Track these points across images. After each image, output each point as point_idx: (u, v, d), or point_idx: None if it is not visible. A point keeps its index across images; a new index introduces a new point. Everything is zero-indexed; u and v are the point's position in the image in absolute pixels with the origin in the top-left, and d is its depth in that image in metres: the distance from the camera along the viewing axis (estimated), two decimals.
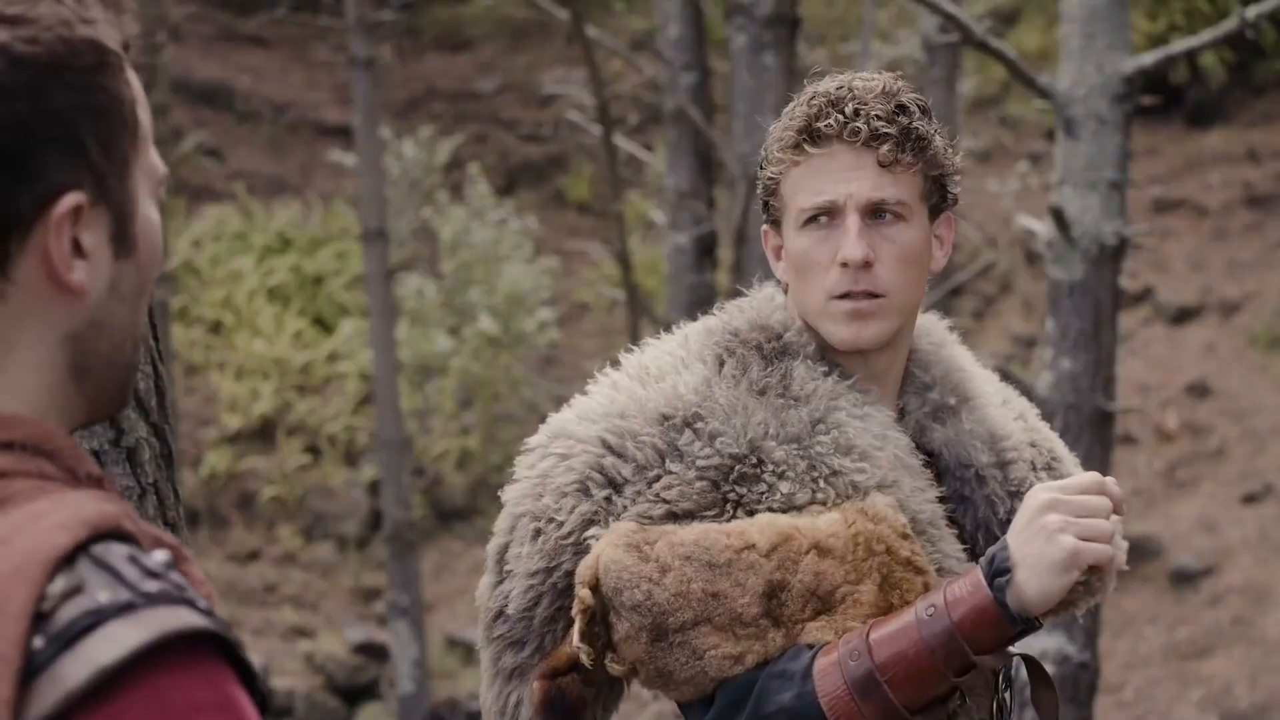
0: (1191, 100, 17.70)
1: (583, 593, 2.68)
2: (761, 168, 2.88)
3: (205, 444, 15.94)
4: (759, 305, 2.92)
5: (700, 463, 2.75)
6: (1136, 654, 13.00)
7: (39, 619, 1.46)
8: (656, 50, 12.23)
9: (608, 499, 2.76)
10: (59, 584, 1.47)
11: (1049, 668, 6.52)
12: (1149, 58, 6.50)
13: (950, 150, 2.88)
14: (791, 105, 2.86)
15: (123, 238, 1.62)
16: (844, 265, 2.78)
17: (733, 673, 2.66)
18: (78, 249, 1.59)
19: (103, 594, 1.46)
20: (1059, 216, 6.44)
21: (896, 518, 2.73)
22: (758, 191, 2.92)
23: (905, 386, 2.90)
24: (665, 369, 2.85)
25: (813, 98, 2.83)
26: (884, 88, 2.83)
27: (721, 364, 2.83)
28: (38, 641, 1.45)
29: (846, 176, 2.79)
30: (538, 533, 2.80)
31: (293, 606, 15.05)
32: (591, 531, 2.75)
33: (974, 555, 2.81)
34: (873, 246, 2.78)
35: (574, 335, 16.84)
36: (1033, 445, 2.93)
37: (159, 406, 2.63)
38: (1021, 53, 16.30)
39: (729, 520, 2.72)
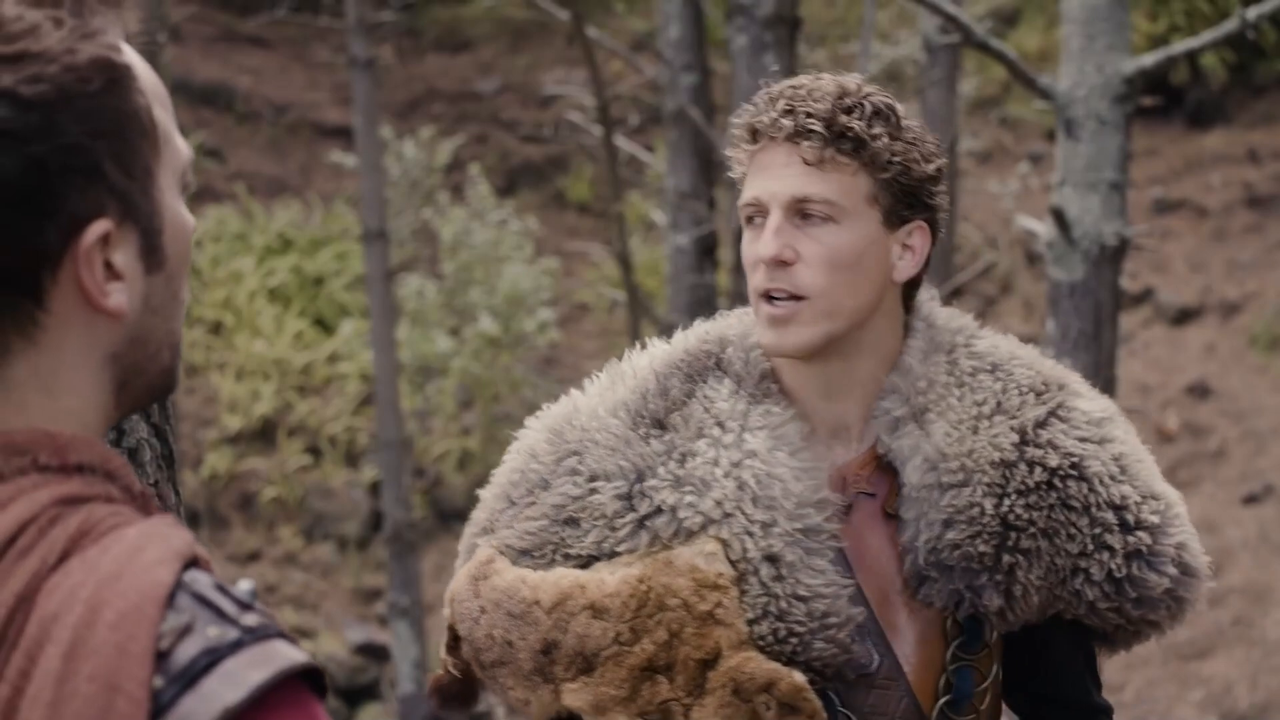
0: (1192, 101, 17.69)
1: (446, 611, 2.80)
2: (731, 173, 2.84)
3: (206, 445, 15.94)
4: (740, 315, 2.88)
5: (550, 500, 2.77)
6: (1136, 655, 12.99)
7: (157, 657, 1.47)
8: (657, 51, 12.23)
9: (502, 513, 2.82)
10: (170, 621, 1.49)
11: None
12: (1149, 58, 6.49)
13: (922, 155, 2.75)
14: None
15: (152, 252, 1.61)
16: (763, 263, 2.72)
17: (527, 713, 2.74)
18: (112, 271, 1.59)
19: (212, 630, 1.49)
20: (1059, 217, 6.44)
21: (708, 569, 2.67)
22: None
23: (880, 395, 2.79)
24: (622, 378, 2.86)
25: (760, 97, 2.78)
26: (838, 88, 2.74)
27: (649, 385, 2.81)
28: (158, 681, 1.47)
29: (774, 174, 2.72)
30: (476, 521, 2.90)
31: (293, 607, 15.05)
32: (479, 540, 2.82)
33: (912, 575, 2.73)
34: (795, 245, 2.70)
35: (574, 336, 16.83)
36: (1026, 464, 2.74)
37: (160, 407, 2.63)
38: (1022, 53, 16.29)
39: (549, 564, 2.75)
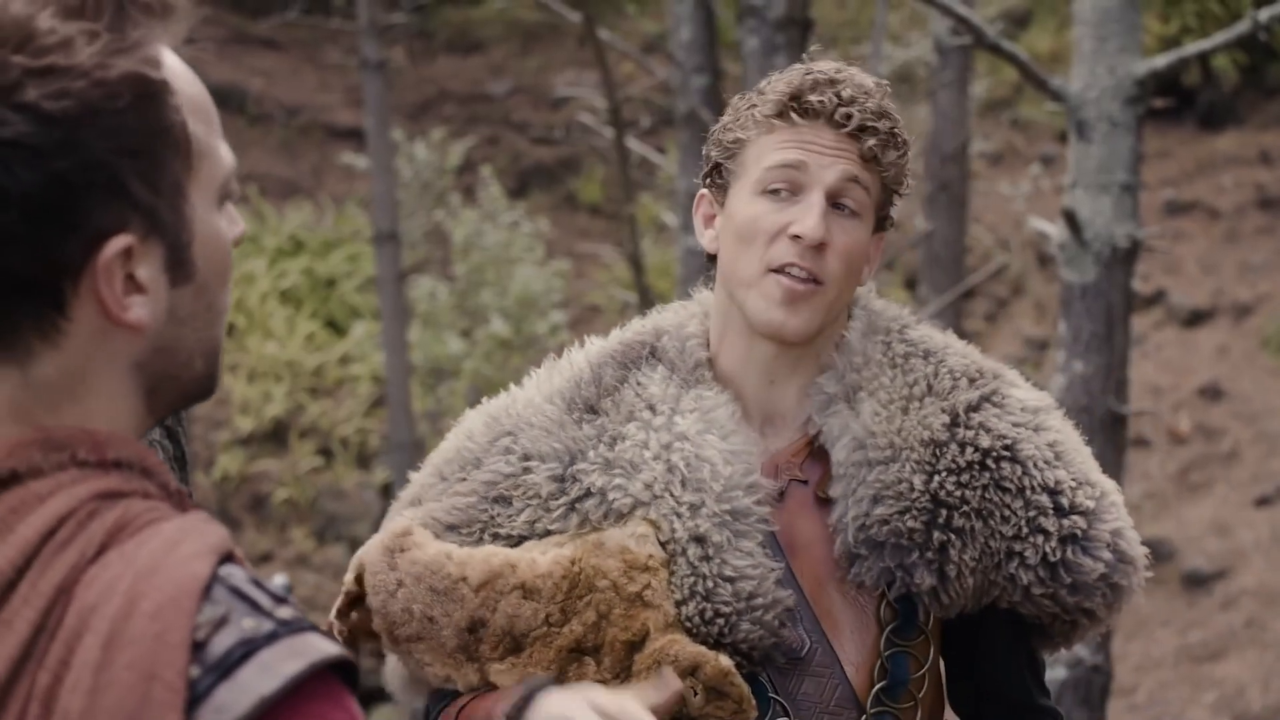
0: (1204, 102, 17.68)
1: (348, 578, 2.76)
2: (727, 129, 2.80)
3: (218, 446, 15.96)
4: (676, 309, 2.92)
5: (482, 477, 2.78)
6: (1149, 657, 12.98)
7: (194, 648, 1.50)
8: (668, 53, 12.23)
9: (431, 488, 2.83)
10: (206, 612, 1.51)
11: (1061, 670, 6.51)
12: (1161, 60, 6.49)
13: (910, 173, 2.81)
14: (782, 73, 2.80)
15: (179, 265, 1.62)
16: (795, 238, 2.71)
17: (446, 687, 2.73)
18: (134, 284, 1.60)
19: (247, 622, 1.52)
20: (1071, 219, 6.44)
21: (639, 550, 2.68)
22: (711, 152, 2.82)
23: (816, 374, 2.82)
24: (558, 370, 2.88)
25: (809, 71, 2.77)
26: (876, 87, 2.78)
27: (583, 374, 2.83)
28: (194, 670, 1.50)
29: (826, 155, 2.73)
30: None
31: (306, 609, 15.07)
32: (407, 512, 2.82)
33: (842, 554, 2.74)
34: (830, 232, 2.72)
35: (586, 338, 16.80)
36: (957, 445, 2.74)
37: None
38: (1033, 55, 16.29)
39: (478, 542, 2.74)
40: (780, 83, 2.77)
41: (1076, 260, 6.50)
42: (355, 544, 15.57)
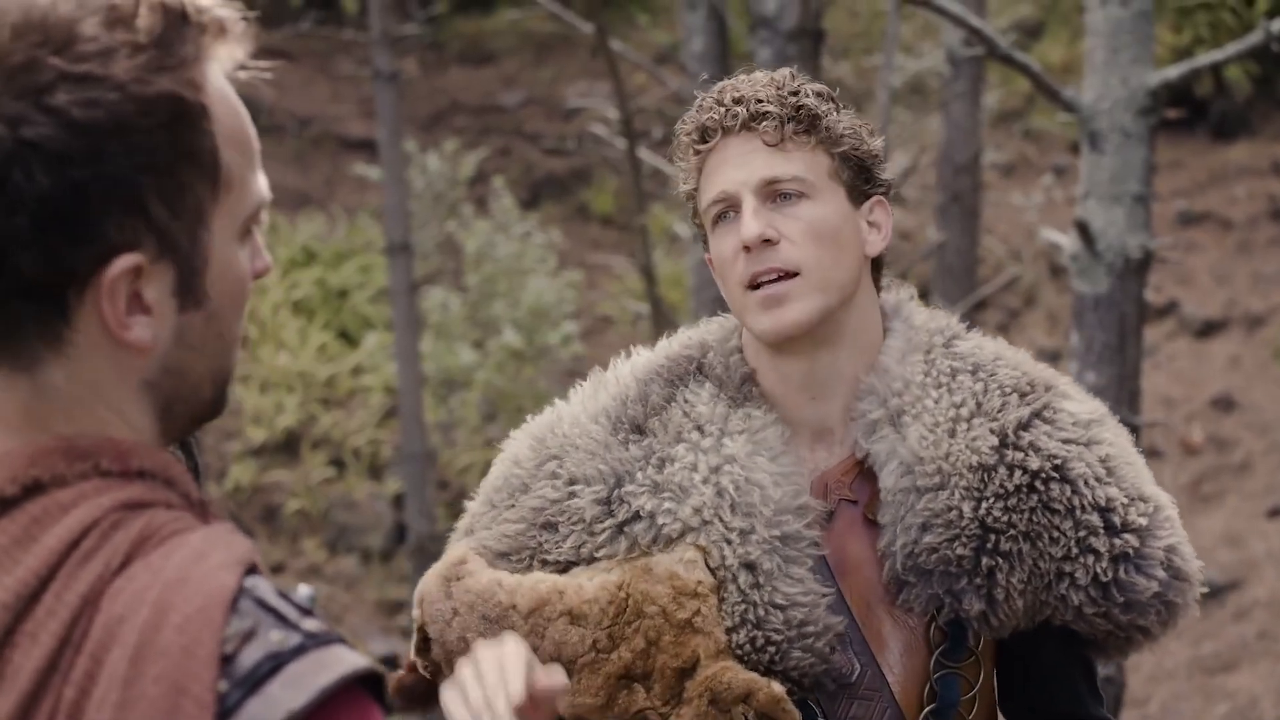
0: (1216, 113, 17.66)
1: (415, 612, 2.74)
2: (679, 188, 2.83)
3: (230, 457, 15.97)
4: (721, 322, 2.90)
5: (529, 503, 2.77)
6: (1162, 668, 12.95)
7: (222, 661, 1.49)
8: (680, 64, 12.24)
9: (482, 515, 2.83)
10: (234, 625, 1.50)
11: None
12: (1174, 71, 6.48)
13: (867, 132, 2.78)
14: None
15: (189, 291, 1.61)
16: (746, 249, 2.71)
17: None
18: (141, 304, 1.58)
19: (275, 635, 1.51)
20: (1084, 230, 6.43)
21: (688, 576, 2.67)
22: (690, 219, 2.86)
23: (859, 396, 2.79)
24: (604, 385, 2.86)
25: (701, 101, 2.79)
26: (772, 78, 2.78)
27: (629, 391, 2.81)
28: (223, 684, 1.49)
29: (736, 164, 2.73)
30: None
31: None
32: (462, 541, 2.82)
33: (891, 580, 2.71)
34: (775, 226, 2.70)
35: (598, 348, 16.84)
36: (1005, 468, 2.70)
37: None
38: (1046, 66, 16.28)
39: (527, 568, 2.74)
40: (685, 123, 2.80)
41: (1089, 271, 6.49)
42: (367, 555, 15.57)
